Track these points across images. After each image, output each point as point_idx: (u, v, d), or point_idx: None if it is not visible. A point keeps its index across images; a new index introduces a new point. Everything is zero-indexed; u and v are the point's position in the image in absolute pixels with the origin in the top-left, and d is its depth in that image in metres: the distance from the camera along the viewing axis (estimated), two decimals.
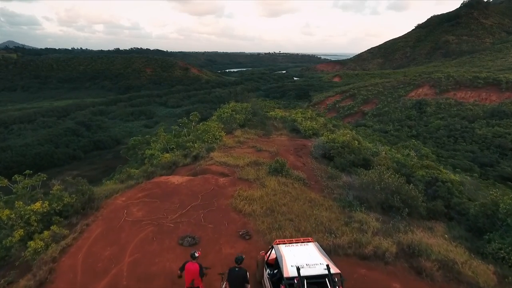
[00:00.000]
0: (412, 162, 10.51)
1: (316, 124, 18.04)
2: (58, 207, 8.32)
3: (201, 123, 15.90)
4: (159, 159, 12.80)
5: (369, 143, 19.31)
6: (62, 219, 8.24)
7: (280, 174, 11.07)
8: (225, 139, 15.12)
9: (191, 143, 14.59)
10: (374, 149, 12.53)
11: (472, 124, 54.07)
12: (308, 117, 19.81)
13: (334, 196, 9.60)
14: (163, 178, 9.77)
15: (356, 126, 66.33)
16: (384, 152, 11.93)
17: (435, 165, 10.19)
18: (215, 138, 14.78)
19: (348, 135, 12.87)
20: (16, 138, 75.23)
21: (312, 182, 10.58)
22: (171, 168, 12.16)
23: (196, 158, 12.93)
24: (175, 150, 14.66)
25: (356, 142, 12.61)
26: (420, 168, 10.01)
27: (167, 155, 13.01)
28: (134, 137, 16.48)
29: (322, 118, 25.08)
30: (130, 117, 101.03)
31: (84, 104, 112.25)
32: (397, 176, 9.57)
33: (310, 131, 17.04)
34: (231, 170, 11.27)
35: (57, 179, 9.31)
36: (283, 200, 9.06)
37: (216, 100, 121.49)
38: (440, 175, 10.18)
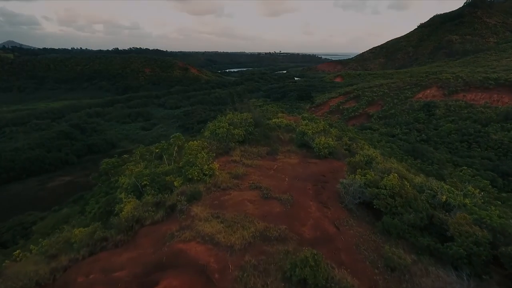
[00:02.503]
0: None
1: (331, 139, 14.87)
2: None
3: (188, 144, 12.15)
4: (123, 205, 9.42)
5: (393, 156, 16.20)
6: None
7: None
8: (217, 173, 11.32)
9: (171, 176, 11.23)
10: (429, 190, 9.15)
11: (486, 128, 50.98)
12: (321, 129, 16.74)
13: None
14: None
15: (362, 129, 63.40)
16: (445, 197, 8.65)
17: None
18: (204, 174, 10.96)
19: (395, 175, 9.16)
20: (7, 142, 72.38)
21: None
22: (133, 230, 8.15)
23: (172, 209, 9.14)
24: (147, 188, 10.91)
25: (407, 183, 9.04)
26: None
27: (131, 204, 9.43)
28: (106, 160, 13.51)
29: (335, 129, 22.01)
30: (127, 119, 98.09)
31: (80, 106, 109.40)
32: None
33: (325, 150, 13.94)
34: (221, 260, 6.56)
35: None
36: None
37: (216, 101, 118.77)
38: None
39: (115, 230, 8.05)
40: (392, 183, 8.88)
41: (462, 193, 8.89)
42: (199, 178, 10.99)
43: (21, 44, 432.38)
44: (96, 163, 68.88)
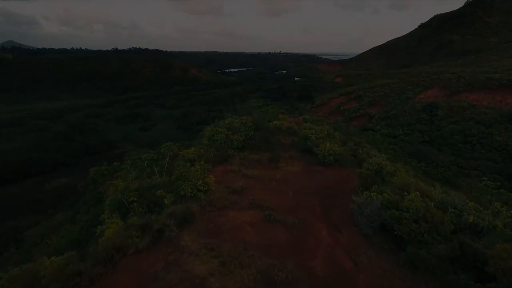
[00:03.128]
0: None
1: (336, 145, 13.98)
2: None
3: (182, 152, 11.20)
4: (104, 227, 8.43)
5: (398, 162, 15.31)
6: None
7: None
8: (213, 188, 10.38)
9: (162, 191, 10.14)
10: (453, 208, 8.16)
11: (489, 129, 50.17)
12: (325, 134, 15.88)
13: None
14: None
15: (363, 130, 62.57)
16: (472, 217, 7.70)
17: None
18: (198, 190, 9.89)
19: (417, 193, 8.17)
20: (4, 143, 71.70)
21: None
22: (112, 261, 7.00)
23: (160, 233, 8.05)
24: (135, 205, 9.76)
25: (431, 204, 8.08)
26: None
27: (114, 226, 8.41)
28: (95, 168, 12.67)
29: (339, 132, 21.16)
30: (125, 119, 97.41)
31: (79, 106, 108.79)
32: None
33: (330, 157, 13.08)
34: None
35: None
36: None
37: (216, 102, 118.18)
38: None
39: (92, 261, 7.07)
40: (416, 205, 7.68)
41: (490, 211, 7.98)
42: (192, 195, 9.89)
43: (21, 44, 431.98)
44: (94, 164, 68.12)
